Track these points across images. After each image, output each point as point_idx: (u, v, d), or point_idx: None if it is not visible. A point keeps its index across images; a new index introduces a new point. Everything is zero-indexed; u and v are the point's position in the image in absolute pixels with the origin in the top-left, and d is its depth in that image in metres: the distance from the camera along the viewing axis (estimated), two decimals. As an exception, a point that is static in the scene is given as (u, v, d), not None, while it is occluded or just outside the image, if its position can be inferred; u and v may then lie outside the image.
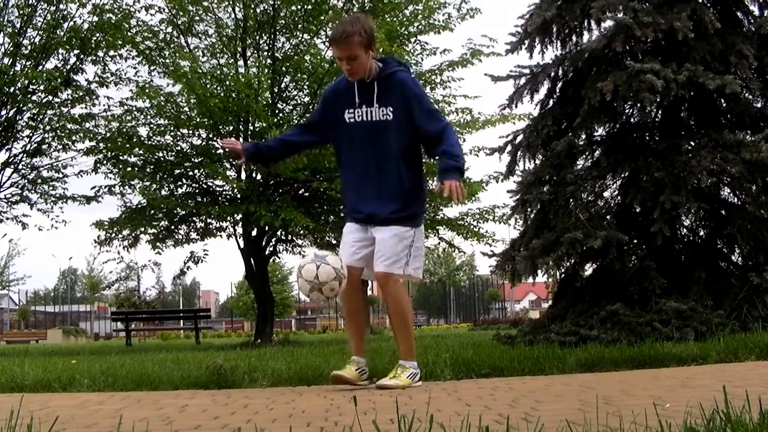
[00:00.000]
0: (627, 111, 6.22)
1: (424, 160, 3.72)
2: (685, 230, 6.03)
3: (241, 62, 11.49)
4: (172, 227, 11.85)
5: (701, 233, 6.05)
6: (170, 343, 16.55)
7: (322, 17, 11.10)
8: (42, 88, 10.88)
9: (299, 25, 11.32)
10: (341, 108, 3.54)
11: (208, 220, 11.87)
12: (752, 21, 6.05)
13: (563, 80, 6.36)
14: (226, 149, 3.94)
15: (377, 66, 3.49)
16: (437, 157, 3.55)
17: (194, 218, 11.76)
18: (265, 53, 11.41)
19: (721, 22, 5.55)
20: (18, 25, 10.77)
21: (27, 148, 11.56)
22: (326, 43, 11.36)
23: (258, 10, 11.09)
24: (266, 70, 10.68)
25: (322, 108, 3.74)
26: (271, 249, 12.58)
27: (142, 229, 11.63)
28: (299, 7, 11.09)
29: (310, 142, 4.16)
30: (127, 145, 11.21)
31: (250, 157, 3.88)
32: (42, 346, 19.47)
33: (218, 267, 50.43)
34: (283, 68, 10.96)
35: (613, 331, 4.96)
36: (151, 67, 11.49)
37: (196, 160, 11.45)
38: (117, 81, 11.73)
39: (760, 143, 5.26)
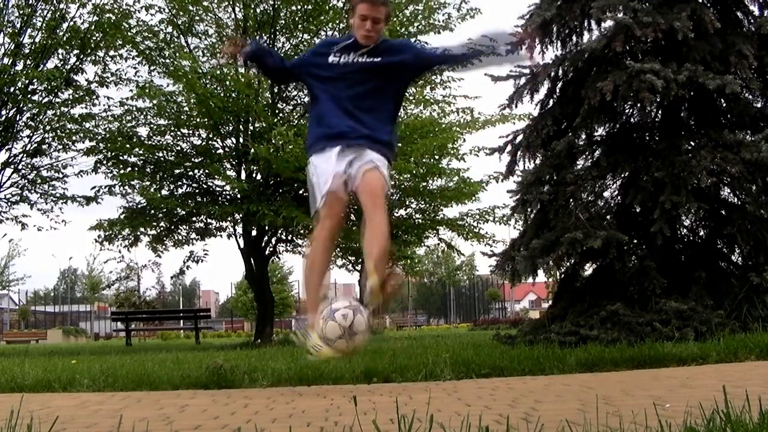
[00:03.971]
0: (627, 111, 6.22)
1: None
2: (685, 230, 6.03)
3: (240, 62, 11.48)
4: (172, 227, 11.85)
5: (701, 233, 6.05)
6: (170, 343, 16.55)
7: (322, 17, 11.11)
8: (42, 88, 10.88)
9: (299, 25, 11.32)
10: (328, 52, 3.56)
11: (208, 220, 11.87)
12: (752, 21, 6.05)
13: (563, 80, 6.36)
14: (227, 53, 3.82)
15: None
16: (444, 55, 3.71)
17: (194, 218, 11.76)
18: (265, 53, 11.39)
19: (721, 22, 5.55)
20: (18, 25, 10.77)
21: (27, 148, 11.55)
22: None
23: (258, 10, 11.09)
24: (266, 70, 10.66)
25: (310, 52, 3.85)
26: (271, 249, 12.58)
27: (142, 230, 11.64)
28: (299, 7, 11.09)
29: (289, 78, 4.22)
30: (127, 145, 11.21)
31: (249, 57, 3.83)
32: (42, 346, 19.46)
33: (218, 267, 50.40)
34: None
35: (613, 331, 4.96)
36: (151, 67, 11.49)
37: (196, 160, 11.45)
38: (117, 81, 11.74)
39: (760, 143, 5.26)
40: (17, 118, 11.10)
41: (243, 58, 3.77)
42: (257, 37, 11.41)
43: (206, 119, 10.79)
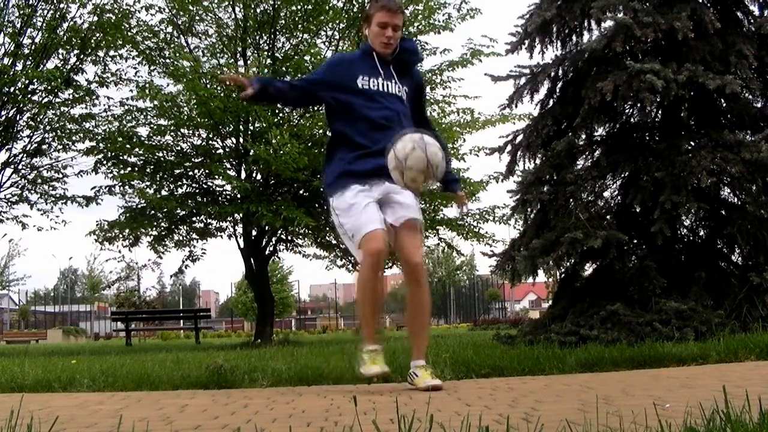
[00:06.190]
0: (627, 111, 6.22)
1: None
2: (685, 230, 6.03)
3: (241, 62, 11.50)
4: (173, 227, 11.85)
5: (701, 233, 6.05)
6: (170, 343, 16.55)
7: (322, 17, 11.11)
8: (42, 88, 10.88)
9: (299, 25, 11.33)
10: (353, 75, 3.44)
11: (208, 221, 11.87)
12: (752, 21, 6.05)
13: (563, 80, 6.36)
14: (229, 82, 3.44)
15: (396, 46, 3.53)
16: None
17: (194, 218, 11.76)
18: (265, 53, 11.41)
19: (721, 22, 5.55)
20: (18, 25, 10.77)
21: (27, 148, 11.56)
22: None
23: (258, 10, 11.09)
24: (266, 70, 10.67)
25: (328, 71, 3.54)
26: (271, 249, 12.58)
27: (143, 230, 11.63)
28: (299, 7, 11.09)
29: (304, 100, 3.88)
30: (127, 146, 11.21)
31: (258, 94, 3.41)
32: (42, 346, 19.46)
33: (218, 267, 50.45)
34: (283, 68, 10.96)
35: (613, 331, 4.96)
36: (152, 67, 11.50)
37: (196, 160, 11.45)
38: (117, 81, 11.74)
39: (760, 143, 5.26)
40: (17, 118, 11.11)
41: (251, 96, 3.39)
42: (257, 37, 11.41)
43: (206, 119, 10.80)
